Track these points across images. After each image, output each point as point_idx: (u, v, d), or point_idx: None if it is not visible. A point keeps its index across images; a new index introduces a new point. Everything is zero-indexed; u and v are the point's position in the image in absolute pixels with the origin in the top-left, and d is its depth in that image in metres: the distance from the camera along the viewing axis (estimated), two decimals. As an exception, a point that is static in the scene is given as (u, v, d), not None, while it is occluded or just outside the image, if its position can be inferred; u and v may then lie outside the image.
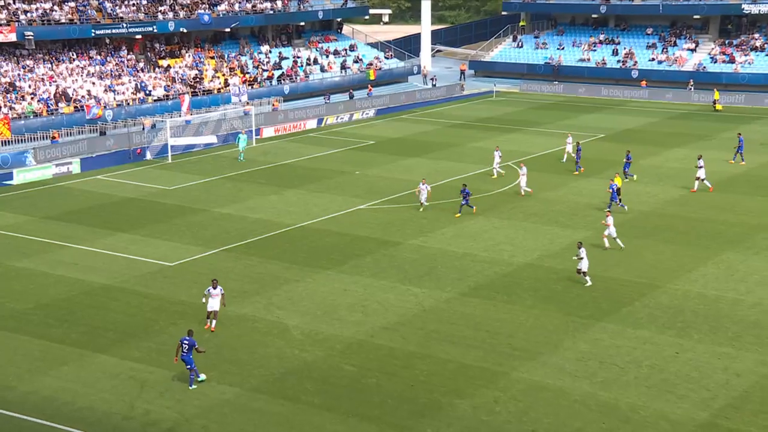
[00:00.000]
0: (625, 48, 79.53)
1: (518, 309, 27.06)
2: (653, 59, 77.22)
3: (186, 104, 55.43)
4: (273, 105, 62.53)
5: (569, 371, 22.81)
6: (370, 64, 75.06)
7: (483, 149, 51.56)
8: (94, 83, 56.62)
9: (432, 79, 76.56)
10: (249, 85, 64.21)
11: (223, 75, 64.17)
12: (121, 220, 37.07)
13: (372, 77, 73.18)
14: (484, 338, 24.95)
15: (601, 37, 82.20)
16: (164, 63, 63.20)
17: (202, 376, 22.28)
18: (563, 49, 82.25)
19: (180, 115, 55.43)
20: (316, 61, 72.09)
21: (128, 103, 56.63)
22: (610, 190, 36.77)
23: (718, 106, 66.64)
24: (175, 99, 58.47)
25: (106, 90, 56.51)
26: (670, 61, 76.37)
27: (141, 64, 62.21)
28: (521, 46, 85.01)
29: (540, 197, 40.46)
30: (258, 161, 48.81)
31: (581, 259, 28.43)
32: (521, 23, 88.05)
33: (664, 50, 77.89)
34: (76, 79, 56.32)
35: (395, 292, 28.48)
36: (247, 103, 59.65)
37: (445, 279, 29.69)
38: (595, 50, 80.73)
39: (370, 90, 70.38)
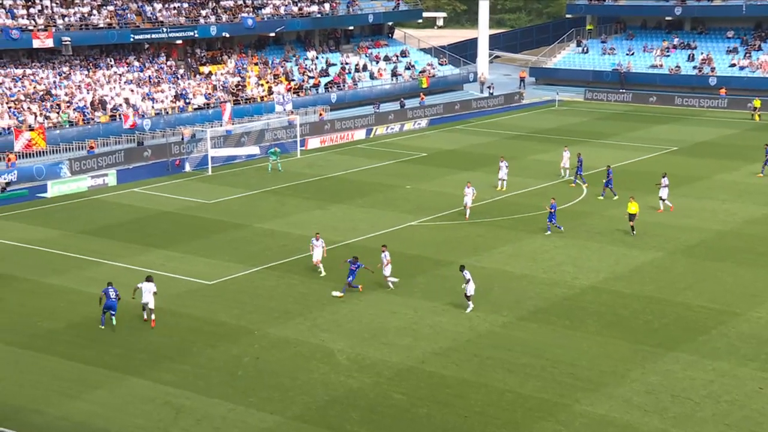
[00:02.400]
0: (702, 53, 78.47)
1: (581, 335, 26.79)
2: (734, 65, 76.01)
3: (227, 113, 56.21)
4: (319, 114, 63.05)
5: (637, 405, 22.48)
6: (423, 71, 75.29)
7: (544, 162, 51.22)
8: (132, 91, 57.81)
9: (489, 87, 76.57)
10: (294, 93, 64.96)
11: (267, 82, 65.02)
12: (158, 235, 37.45)
13: (425, 85, 73.46)
14: (543, 366, 24.75)
15: (676, 41, 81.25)
16: (205, 69, 64.31)
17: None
18: (633, 54, 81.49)
19: (221, 125, 56.20)
20: (365, 68, 72.60)
21: (167, 112, 57.69)
22: (551, 210, 36.08)
23: (756, 117, 65.10)
24: (216, 108, 59.28)
25: (144, 98, 57.58)
26: (753, 67, 75.06)
27: (181, 71, 63.39)
28: (586, 52, 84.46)
29: (605, 214, 40.03)
30: (303, 174, 49.23)
31: (468, 282, 28.01)
32: (587, 27, 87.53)
33: (747, 55, 76.60)
34: (114, 87, 57.61)
35: (448, 315, 28.41)
36: (292, 112, 60.27)
37: (502, 302, 29.59)
38: (668, 55, 79.80)
39: (423, 98, 70.54)
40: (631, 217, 36.29)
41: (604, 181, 42.77)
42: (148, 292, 27.75)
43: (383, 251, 30.39)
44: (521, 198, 43.19)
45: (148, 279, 28.03)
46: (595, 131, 61.97)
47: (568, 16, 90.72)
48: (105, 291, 27.28)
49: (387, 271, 30.00)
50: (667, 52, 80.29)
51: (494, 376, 24.15)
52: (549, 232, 36.33)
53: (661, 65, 78.89)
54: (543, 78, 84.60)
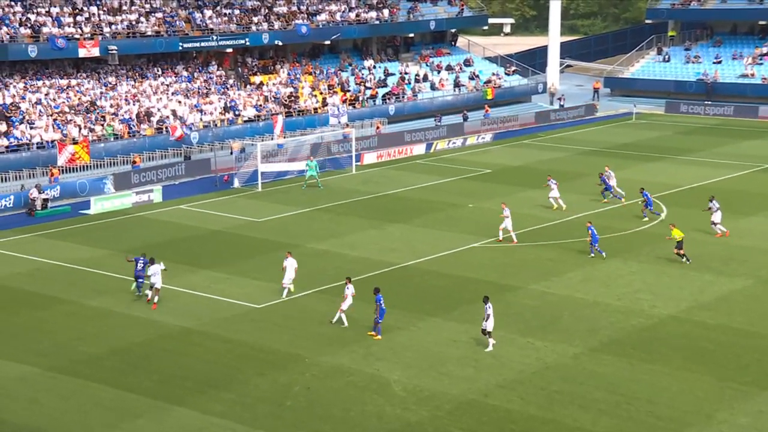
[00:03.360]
0: (799, 61, 77.04)
1: (661, 370, 26.45)
2: (835, 73, 74.43)
3: (279, 126, 56.70)
4: (376, 127, 63.43)
5: (724, 448, 22.01)
6: (488, 82, 75.35)
7: (619, 180, 50.65)
8: (180, 102, 58.87)
9: (560, 98, 76.31)
10: (350, 104, 65.45)
11: (321, 93, 65.69)
12: (205, 255, 37.76)
13: (490, 96, 73.52)
14: (618, 403, 24.44)
15: (769, 48, 79.97)
16: (256, 80, 65.20)
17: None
18: (720, 62, 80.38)
19: (272, 138, 56.72)
20: (425, 78, 72.88)
21: (216, 125, 58.58)
22: (589, 232, 36.39)
23: None
24: (268, 120, 59.97)
25: (192, 110, 58.59)
26: None
27: (231, 81, 64.40)
28: (668, 60, 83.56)
29: (688, 237, 39.45)
30: (358, 191, 49.43)
31: (488, 317, 27.52)
32: (669, 33, 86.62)
33: None
34: (161, 98, 58.77)
35: (513, 344, 28.29)
36: (347, 124, 60.69)
37: (572, 331, 29.32)
38: (761, 64, 78.51)
39: (488, 111, 70.67)
40: (679, 245, 35.72)
41: (641, 202, 42.54)
42: (155, 275, 30.95)
43: (347, 284, 29.82)
44: (593, 219, 42.70)
45: (152, 261, 31.40)
46: (676, 147, 61.24)
47: (647, 21, 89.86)
48: (136, 259, 32.08)
49: (345, 305, 29.45)
50: (760, 59, 78.94)
51: (563, 412, 23.91)
52: (592, 255, 36.37)
53: (753, 74, 77.60)
54: (619, 89, 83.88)
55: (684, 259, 35.65)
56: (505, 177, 52.17)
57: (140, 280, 32.10)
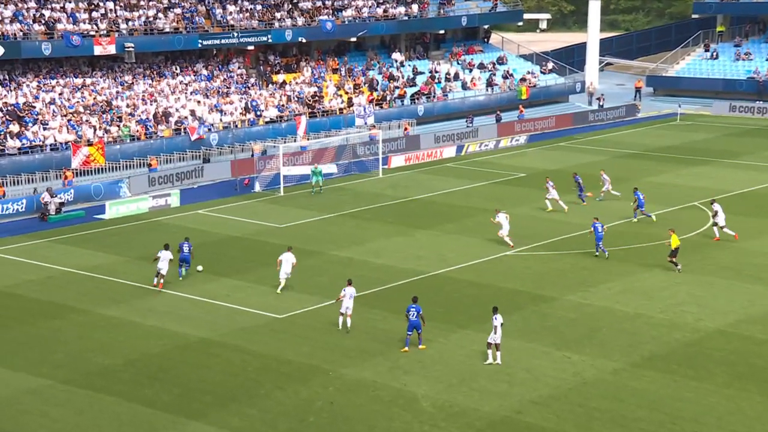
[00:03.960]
0: None
1: (707, 387, 26.26)
2: None
3: (302, 127, 56.74)
4: (404, 129, 63.42)
5: (775, 471, 21.77)
6: (523, 80, 75.18)
7: (663, 185, 50.43)
8: (199, 102, 59.20)
9: (599, 98, 75.97)
10: (377, 104, 65.52)
11: (347, 93, 65.85)
12: (224, 262, 37.83)
13: (524, 96, 73.33)
14: (662, 422, 24.27)
15: (827, 44, 79.16)
16: (279, 78, 65.45)
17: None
18: (772, 60, 79.67)
19: (295, 140, 56.84)
20: (457, 77, 72.85)
21: (236, 126, 58.84)
22: (592, 230, 37.58)
23: None
24: (290, 121, 60.11)
25: (211, 110, 58.88)
26: None
27: (252, 80, 64.68)
28: (716, 57, 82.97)
29: (737, 246, 39.15)
30: (384, 195, 49.50)
31: (495, 328, 27.39)
32: (718, 28, 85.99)
33: None
34: (179, 98, 59.16)
35: (548, 358, 28.18)
36: (374, 126, 60.70)
37: (612, 345, 29.16)
38: (816, 61, 77.76)
39: (522, 111, 70.49)
40: (674, 252, 35.43)
41: (633, 202, 42.87)
42: (164, 260, 33.79)
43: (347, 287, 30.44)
44: (634, 227, 42.61)
45: (166, 247, 34.19)
46: (724, 149, 60.83)
47: (694, 16, 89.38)
48: (180, 245, 35.07)
49: (344, 308, 29.96)
50: (815, 57, 78.25)
51: (603, 430, 23.80)
52: (597, 254, 37.14)
53: (806, 73, 76.89)
54: (663, 88, 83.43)
55: (677, 268, 35.53)
56: (540, 181, 51.09)
57: (185, 264, 35.06)
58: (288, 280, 33.81)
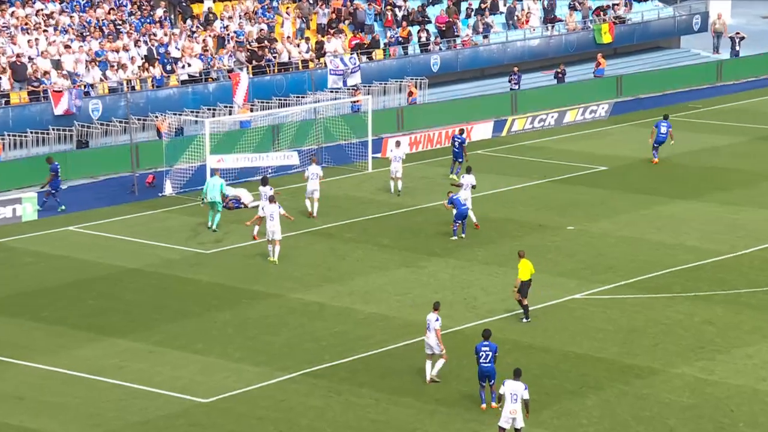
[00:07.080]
0: None
1: None
2: None
3: (242, 90, 46.33)
4: (408, 93, 51.87)
5: None
6: (603, 12, 61.53)
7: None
8: (69, 47, 47.64)
9: (734, 39, 62.57)
10: (364, 55, 53.17)
11: (315, 34, 53.71)
12: (112, 312, 31.12)
13: (607, 39, 59.80)
14: None
15: None
16: (203, 9, 53.63)
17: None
18: None
19: (230, 111, 46.60)
20: (495, 7, 59.27)
21: (132, 88, 47.47)
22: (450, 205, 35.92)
23: None
24: (222, 81, 48.76)
25: (91, 61, 47.39)
26: None
27: (159, 12, 52.33)
28: None
29: None
30: (375, 202, 41.44)
31: (506, 398, 23.51)
32: None
33: None
34: (36, 40, 47.48)
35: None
36: (358, 89, 49.43)
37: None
38: None
39: (602, 64, 57.30)
40: (523, 286, 29.41)
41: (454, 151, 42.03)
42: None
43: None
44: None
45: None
46: None
47: None
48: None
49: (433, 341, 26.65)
50: None
51: None
52: (454, 237, 35.92)
53: None
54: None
55: (526, 316, 30.57)
56: (631, 178, 43.02)
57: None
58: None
